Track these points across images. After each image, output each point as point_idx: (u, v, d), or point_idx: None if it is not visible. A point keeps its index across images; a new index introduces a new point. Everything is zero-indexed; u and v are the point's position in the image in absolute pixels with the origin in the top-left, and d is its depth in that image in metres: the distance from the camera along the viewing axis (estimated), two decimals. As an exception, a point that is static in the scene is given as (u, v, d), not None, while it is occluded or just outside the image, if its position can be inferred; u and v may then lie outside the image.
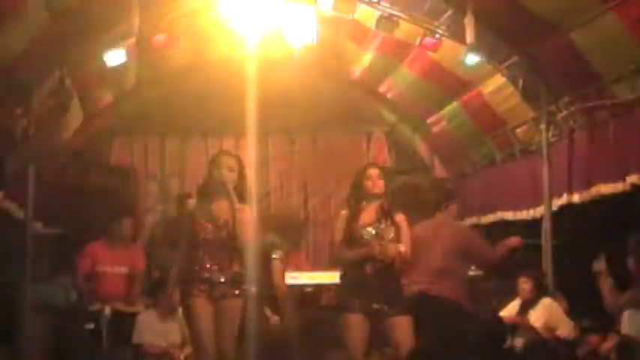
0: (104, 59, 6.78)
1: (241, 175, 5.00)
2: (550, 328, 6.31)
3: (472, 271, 6.54)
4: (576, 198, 6.53)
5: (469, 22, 6.37)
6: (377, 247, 4.96)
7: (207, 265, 4.87)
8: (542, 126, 7.00)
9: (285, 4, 6.81)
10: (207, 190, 5.05)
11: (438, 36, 6.90)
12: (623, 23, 5.30)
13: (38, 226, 7.17)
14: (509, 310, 6.67)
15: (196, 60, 8.52)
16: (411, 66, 7.92)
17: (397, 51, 7.71)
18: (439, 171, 9.41)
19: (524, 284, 6.53)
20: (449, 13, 6.76)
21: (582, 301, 6.51)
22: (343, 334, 5.04)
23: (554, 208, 6.87)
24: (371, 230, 5.07)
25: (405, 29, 7.04)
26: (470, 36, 6.40)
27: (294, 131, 9.49)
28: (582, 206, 6.49)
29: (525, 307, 6.49)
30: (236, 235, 4.87)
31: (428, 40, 6.93)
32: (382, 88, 8.89)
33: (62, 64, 6.67)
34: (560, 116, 6.77)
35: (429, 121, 8.84)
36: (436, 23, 6.89)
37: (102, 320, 6.55)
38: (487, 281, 7.11)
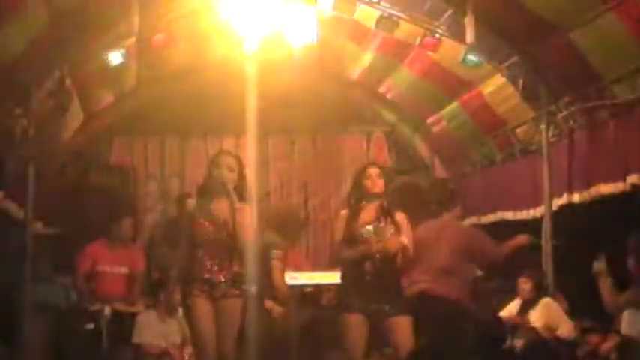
0: (104, 59, 6.79)
1: (241, 175, 5.00)
2: (550, 328, 6.31)
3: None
4: (576, 198, 6.53)
5: (469, 22, 6.37)
6: (375, 244, 4.96)
7: (208, 265, 4.88)
8: (542, 126, 7.00)
9: (285, 4, 6.81)
10: (207, 190, 5.05)
11: (438, 36, 6.89)
12: (623, 23, 5.30)
13: (38, 226, 7.17)
14: (509, 310, 6.67)
15: (196, 60, 8.50)
16: (411, 66, 7.91)
17: (397, 51, 7.71)
18: (439, 171, 9.40)
19: (524, 284, 6.54)
20: (449, 13, 6.76)
21: (582, 301, 6.51)
22: (343, 334, 5.04)
23: (554, 208, 6.87)
24: (371, 229, 5.07)
25: (405, 29, 7.04)
26: (470, 36, 6.40)
27: (294, 131, 9.49)
28: (582, 206, 6.49)
29: (525, 307, 6.49)
30: (236, 235, 4.87)
31: (428, 40, 6.93)
32: (382, 89, 8.88)
33: (62, 64, 6.66)
34: (560, 116, 6.77)
35: (429, 121, 8.83)
36: (436, 23, 6.89)
37: (102, 320, 6.55)
38: (487, 281, 7.10)
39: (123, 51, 6.83)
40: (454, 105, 8.14)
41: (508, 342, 6.45)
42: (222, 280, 4.87)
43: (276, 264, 6.38)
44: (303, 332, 6.61)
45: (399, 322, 4.99)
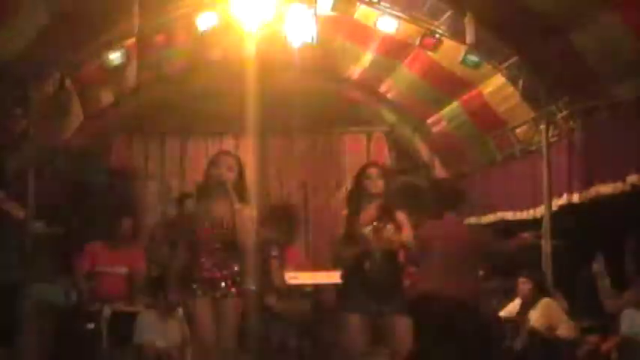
0: (104, 59, 6.79)
1: (241, 175, 4.99)
2: (550, 328, 6.31)
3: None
4: (576, 198, 6.53)
5: (469, 22, 6.38)
6: (375, 243, 4.95)
7: (207, 265, 4.88)
8: (542, 126, 7.01)
9: (285, 4, 6.81)
10: (207, 190, 5.05)
11: (437, 36, 6.90)
12: (622, 24, 5.30)
13: (39, 225, 7.17)
14: (509, 310, 6.67)
15: (196, 60, 8.51)
16: (411, 66, 7.92)
17: (397, 51, 7.71)
18: (439, 171, 9.40)
19: (524, 284, 6.53)
20: (449, 13, 6.76)
21: (582, 301, 6.52)
22: (343, 334, 5.04)
23: (554, 208, 6.87)
24: (371, 229, 5.06)
25: (405, 29, 7.04)
26: (470, 36, 6.41)
27: (294, 131, 9.49)
28: (582, 206, 6.49)
29: (525, 307, 6.49)
30: (236, 234, 4.87)
31: (428, 40, 6.93)
32: (382, 88, 8.89)
33: (62, 64, 6.67)
34: (560, 116, 6.78)
35: (429, 121, 8.84)
36: (436, 23, 6.89)
37: (102, 320, 6.55)
38: (487, 281, 7.11)
39: (123, 51, 6.83)
40: (454, 105, 8.14)
41: (508, 342, 6.44)
42: (222, 279, 4.87)
43: (274, 262, 6.38)
44: (303, 332, 6.61)
45: (399, 322, 4.99)
